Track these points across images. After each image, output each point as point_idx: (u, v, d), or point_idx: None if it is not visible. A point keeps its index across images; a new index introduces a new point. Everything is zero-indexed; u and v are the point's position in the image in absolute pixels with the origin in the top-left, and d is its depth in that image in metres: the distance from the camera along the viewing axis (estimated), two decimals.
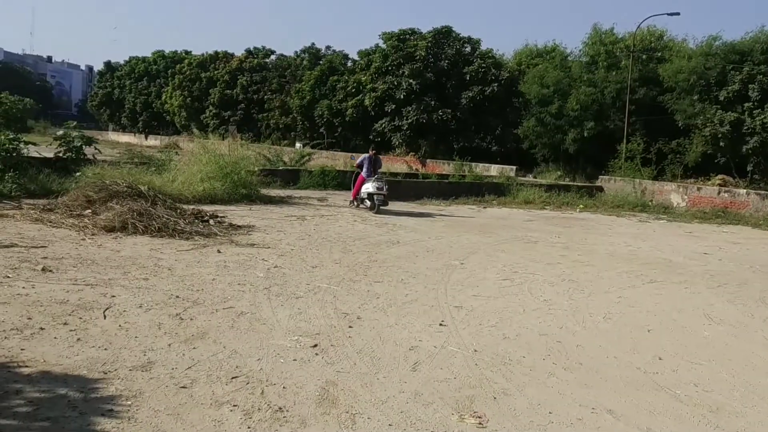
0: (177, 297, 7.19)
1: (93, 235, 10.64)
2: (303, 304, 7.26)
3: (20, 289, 7.02)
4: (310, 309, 7.09)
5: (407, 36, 46.04)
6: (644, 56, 37.47)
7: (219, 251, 10.08)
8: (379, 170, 17.91)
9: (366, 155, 18.22)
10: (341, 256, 10.48)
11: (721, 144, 31.14)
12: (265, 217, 14.50)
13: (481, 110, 42.43)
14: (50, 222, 11.45)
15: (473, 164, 33.34)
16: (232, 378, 4.98)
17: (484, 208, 20.66)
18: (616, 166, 31.36)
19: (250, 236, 11.82)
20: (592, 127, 35.82)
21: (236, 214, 14.52)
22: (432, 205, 20.17)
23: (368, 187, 17.28)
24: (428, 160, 38.32)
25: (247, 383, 4.91)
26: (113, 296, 7.02)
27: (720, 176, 30.74)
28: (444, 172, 30.92)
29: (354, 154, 31.07)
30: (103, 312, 6.42)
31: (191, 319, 6.40)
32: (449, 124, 42.26)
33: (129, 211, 11.51)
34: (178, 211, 12.55)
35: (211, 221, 12.59)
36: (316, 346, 5.87)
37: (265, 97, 59.38)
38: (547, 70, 39.20)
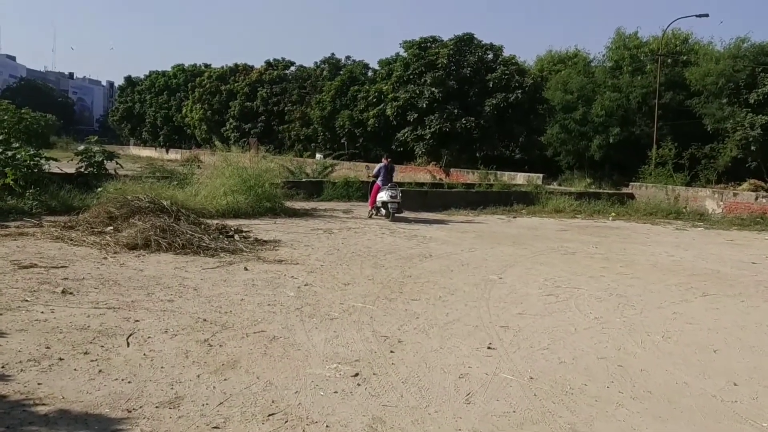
0: (204, 320, 6.73)
1: (115, 253, 10.25)
2: (338, 326, 6.77)
3: (39, 314, 6.61)
4: (347, 332, 6.60)
5: (428, 44, 45.40)
6: (669, 60, 36.69)
7: (246, 269, 9.63)
8: (393, 178, 18.24)
9: (382, 164, 18.23)
10: (373, 271, 9.98)
11: (752, 148, 30.31)
12: (290, 231, 14.05)
13: (504, 118, 41.74)
14: (71, 240, 11.08)
15: (498, 173, 32.63)
16: (269, 415, 4.49)
17: (514, 217, 20.06)
18: (646, 172, 30.52)
19: (277, 252, 11.37)
20: (618, 133, 35.07)
21: (261, 228, 14.10)
22: (460, 216, 19.62)
23: (382, 196, 17.48)
24: (451, 170, 37.65)
25: (286, 421, 4.41)
26: (137, 320, 6.58)
27: (751, 181, 29.83)
28: (468, 182, 30.25)
29: (369, 164, 30.62)
30: (127, 339, 5.97)
31: (220, 346, 5.94)
32: (472, 132, 41.55)
33: (152, 228, 11.11)
34: (202, 226, 12.16)
35: (236, 236, 12.17)
36: (357, 375, 5.37)
37: (286, 108, 59.07)
38: (571, 75, 38.54)
